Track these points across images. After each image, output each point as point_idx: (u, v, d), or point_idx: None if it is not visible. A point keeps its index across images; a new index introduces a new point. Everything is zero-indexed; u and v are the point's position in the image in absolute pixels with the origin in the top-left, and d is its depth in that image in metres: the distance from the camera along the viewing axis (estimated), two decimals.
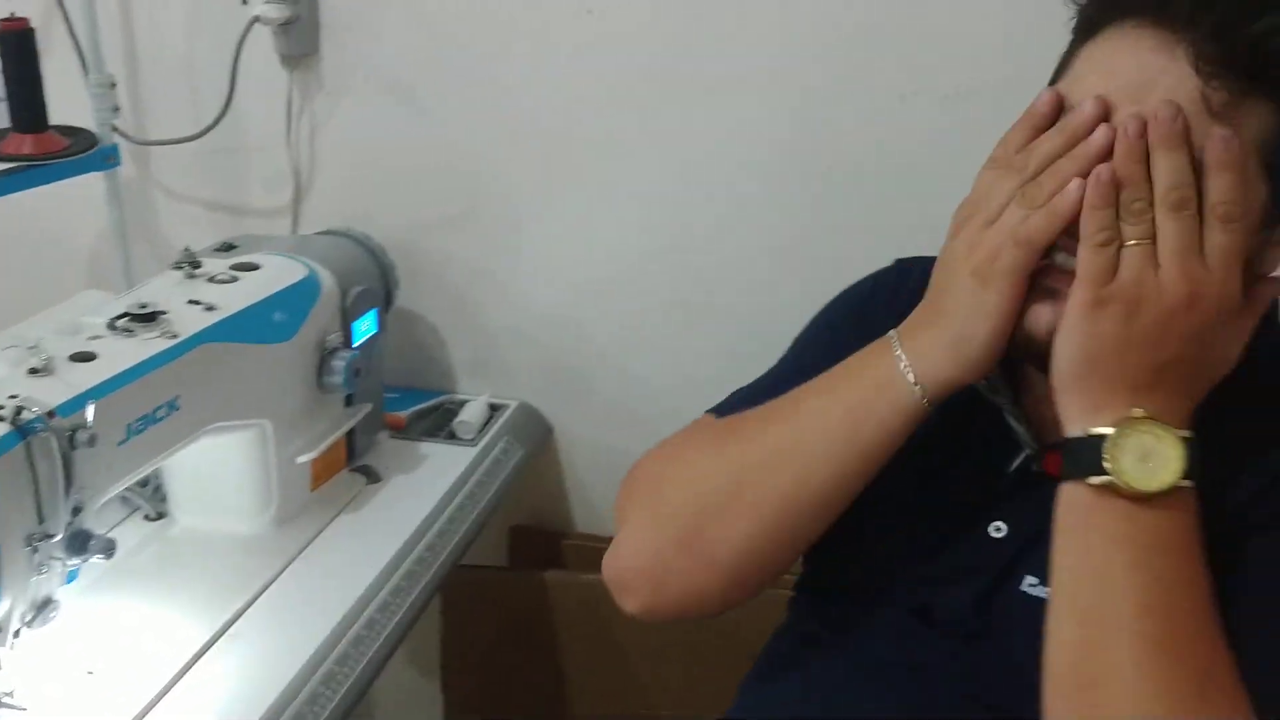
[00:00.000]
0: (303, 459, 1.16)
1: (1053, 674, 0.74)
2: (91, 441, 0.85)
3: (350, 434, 1.27)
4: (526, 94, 1.37)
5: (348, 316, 1.23)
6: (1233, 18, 0.69)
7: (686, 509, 0.86)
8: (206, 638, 1.01)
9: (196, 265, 1.09)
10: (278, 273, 1.15)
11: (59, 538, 0.85)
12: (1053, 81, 0.81)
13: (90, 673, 0.95)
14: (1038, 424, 0.85)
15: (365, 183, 1.47)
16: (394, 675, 1.06)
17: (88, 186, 1.39)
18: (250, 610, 1.06)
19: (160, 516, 1.17)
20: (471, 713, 1.54)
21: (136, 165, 1.52)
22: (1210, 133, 0.70)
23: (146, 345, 0.95)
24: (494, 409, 1.48)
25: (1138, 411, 0.72)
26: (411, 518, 1.23)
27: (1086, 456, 0.73)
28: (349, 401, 1.26)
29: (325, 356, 1.18)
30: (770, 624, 1.01)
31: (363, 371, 1.23)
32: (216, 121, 1.38)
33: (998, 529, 0.86)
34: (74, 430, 0.84)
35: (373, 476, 1.30)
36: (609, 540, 1.55)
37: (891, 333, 0.81)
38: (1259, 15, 0.69)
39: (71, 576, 0.89)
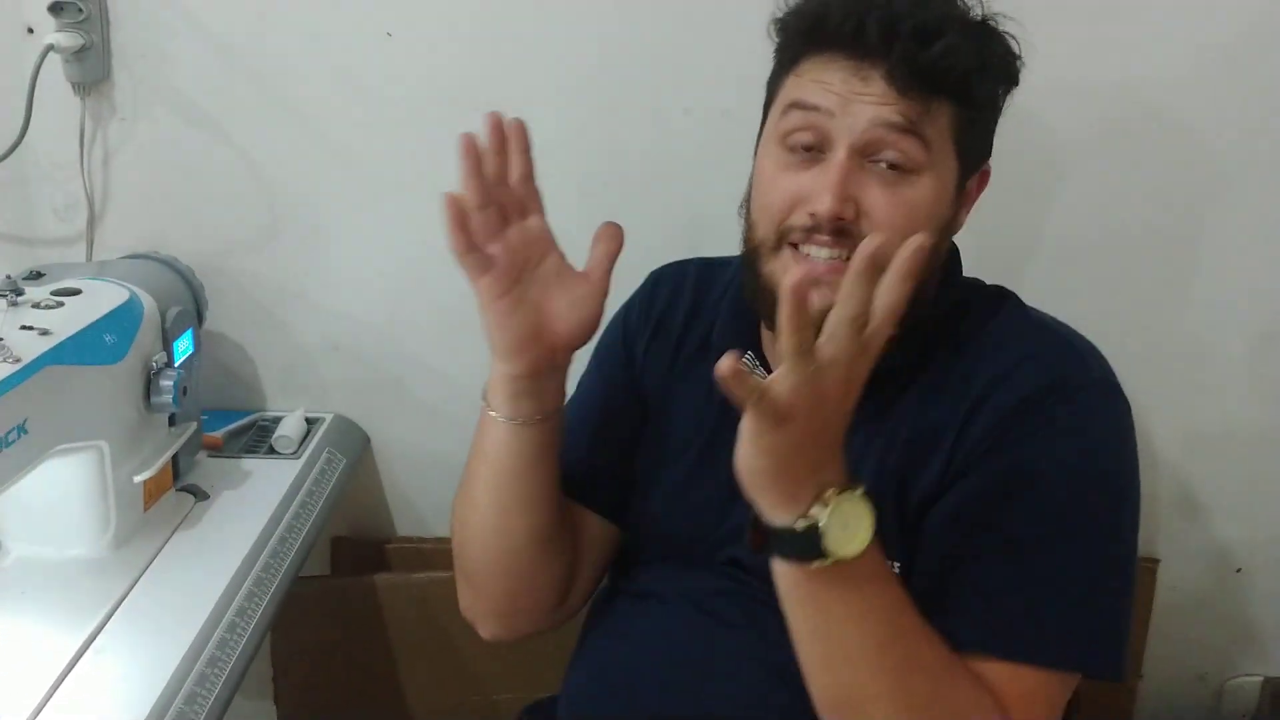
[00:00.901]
0: (139, 478, 1.17)
1: (825, 713, 0.84)
2: None
3: (174, 454, 1.28)
4: (327, 114, 1.41)
5: (168, 337, 1.24)
6: (914, 48, 0.85)
7: (460, 559, 1.04)
8: (69, 657, 1.02)
9: (20, 293, 1.09)
10: (101, 296, 1.15)
11: None
12: (767, 106, 0.96)
13: None
14: None
15: (163, 206, 1.46)
16: None
17: None
18: (105, 630, 1.07)
19: None
20: None
21: None
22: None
23: None
24: (310, 423, 1.51)
25: (829, 492, 0.76)
26: (248, 531, 1.25)
27: (800, 544, 0.77)
28: (172, 421, 1.27)
29: (153, 377, 1.19)
30: None
31: (188, 391, 1.24)
32: (9, 152, 1.35)
33: None
34: None
35: (200, 495, 1.32)
36: (434, 540, 1.61)
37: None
38: (934, 41, 0.86)
39: None
